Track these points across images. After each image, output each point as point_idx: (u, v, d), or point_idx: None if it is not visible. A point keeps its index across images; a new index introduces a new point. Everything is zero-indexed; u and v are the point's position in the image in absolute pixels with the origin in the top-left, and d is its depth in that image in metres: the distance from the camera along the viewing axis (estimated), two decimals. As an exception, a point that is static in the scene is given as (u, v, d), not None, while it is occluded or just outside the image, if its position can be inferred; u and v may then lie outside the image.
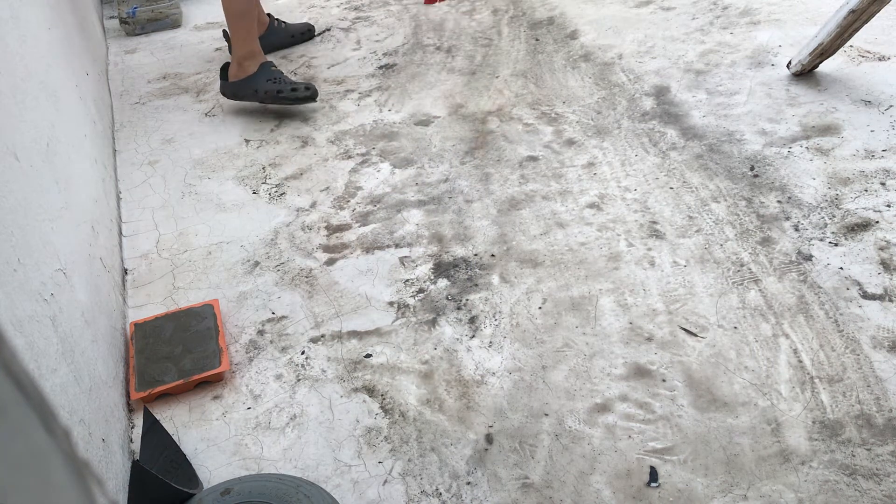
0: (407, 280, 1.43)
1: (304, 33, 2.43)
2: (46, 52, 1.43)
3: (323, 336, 1.33)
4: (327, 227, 1.58)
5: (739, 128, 1.71)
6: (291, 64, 2.29)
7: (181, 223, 1.65)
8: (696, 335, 1.23)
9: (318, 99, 1.99)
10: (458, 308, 1.35)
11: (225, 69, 2.07)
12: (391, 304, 1.38)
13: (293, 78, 2.22)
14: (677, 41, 2.10)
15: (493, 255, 1.45)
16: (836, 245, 1.37)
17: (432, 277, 1.42)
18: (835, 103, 1.74)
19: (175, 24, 2.62)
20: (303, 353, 1.30)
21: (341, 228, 1.57)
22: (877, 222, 1.40)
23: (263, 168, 1.80)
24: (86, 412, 0.97)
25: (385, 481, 1.08)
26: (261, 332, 1.35)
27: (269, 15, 2.42)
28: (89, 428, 0.96)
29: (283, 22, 2.43)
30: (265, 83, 1.98)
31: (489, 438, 1.12)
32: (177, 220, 1.66)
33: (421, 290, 1.40)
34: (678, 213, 1.49)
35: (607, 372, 1.19)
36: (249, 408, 1.22)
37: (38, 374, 0.82)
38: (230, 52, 2.08)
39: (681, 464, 1.05)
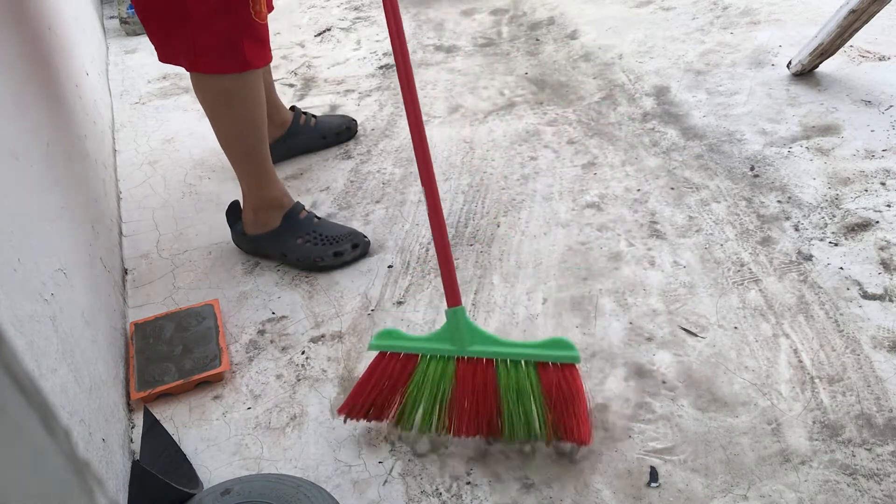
0: (406, 280, 1.43)
1: (342, 133, 1.82)
2: (46, 53, 1.43)
3: (323, 336, 1.33)
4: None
5: (739, 128, 1.71)
6: (291, 64, 2.29)
7: (181, 223, 1.65)
8: (696, 335, 1.23)
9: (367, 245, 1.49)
10: (459, 308, 1.35)
11: (234, 211, 1.51)
12: (393, 303, 1.38)
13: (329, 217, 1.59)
14: (677, 41, 2.10)
15: (493, 255, 1.45)
16: (836, 245, 1.37)
17: (431, 276, 1.42)
18: (835, 103, 1.74)
19: (175, 24, 2.62)
20: (303, 352, 1.30)
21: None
22: (877, 222, 1.40)
23: (263, 168, 1.79)
24: (86, 412, 0.97)
25: (385, 481, 1.08)
26: (261, 332, 1.35)
27: (292, 108, 1.80)
28: (89, 428, 0.96)
29: (313, 116, 1.81)
30: (296, 245, 1.45)
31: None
32: (177, 220, 1.66)
33: (421, 290, 1.40)
34: (678, 213, 1.49)
35: (607, 372, 1.19)
36: (249, 408, 1.22)
37: (38, 374, 0.82)
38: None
39: (681, 464, 1.05)
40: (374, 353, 1.09)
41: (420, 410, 1.08)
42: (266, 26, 1.33)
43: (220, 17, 1.25)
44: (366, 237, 1.48)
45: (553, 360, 1.01)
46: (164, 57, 1.36)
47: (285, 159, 1.78)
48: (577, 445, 1.06)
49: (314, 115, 1.82)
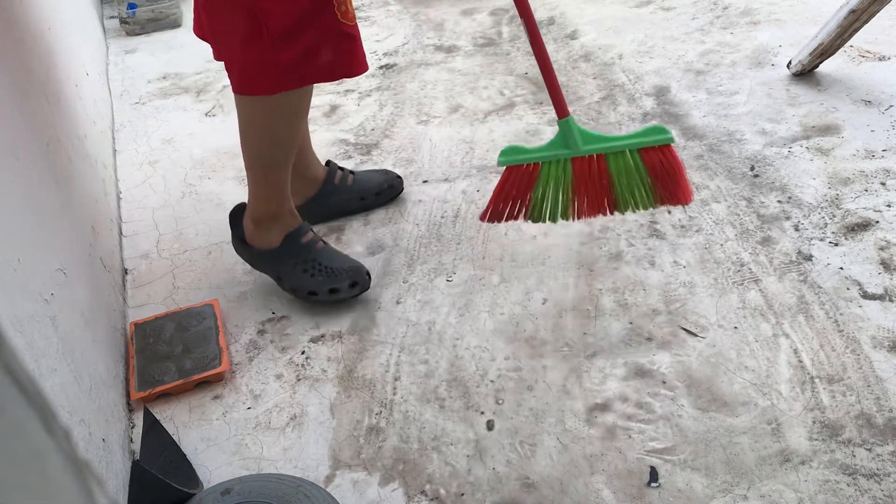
0: (406, 280, 1.43)
1: (383, 192, 1.58)
2: (46, 52, 1.43)
3: (323, 336, 1.33)
4: (328, 227, 1.57)
5: (739, 128, 1.71)
6: (291, 64, 2.29)
7: (181, 223, 1.65)
8: (696, 335, 1.23)
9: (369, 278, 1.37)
10: (459, 308, 1.35)
11: (238, 215, 1.42)
12: (393, 303, 1.38)
13: (336, 246, 1.47)
14: (677, 41, 2.10)
15: (493, 255, 1.45)
16: (836, 245, 1.37)
17: (431, 276, 1.42)
18: (835, 103, 1.74)
19: (175, 24, 2.62)
20: (303, 352, 1.30)
21: (342, 228, 1.57)
22: (877, 222, 1.40)
23: (263, 168, 1.79)
24: (86, 412, 0.97)
25: (385, 481, 1.08)
26: (261, 332, 1.35)
27: (328, 163, 1.57)
28: (89, 428, 0.96)
29: (350, 172, 1.57)
30: (293, 272, 1.34)
31: (489, 437, 1.12)
32: (177, 220, 1.66)
33: (421, 290, 1.40)
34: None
35: (607, 372, 1.19)
36: (249, 408, 1.22)
37: (38, 374, 0.82)
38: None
39: (681, 464, 1.05)
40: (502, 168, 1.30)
41: (549, 203, 1.30)
42: (356, 27, 1.20)
43: (304, 26, 1.12)
44: (368, 273, 1.35)
45: (652, 144, 1.23)
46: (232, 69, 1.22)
47: (317, 223, 1.56)
48: (682, 205, 1.31)
49: (351, 172, 1.58)
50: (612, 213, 1.31)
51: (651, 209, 1.32)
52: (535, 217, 1.32)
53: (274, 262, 1.37)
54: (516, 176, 1.29)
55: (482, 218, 1.35)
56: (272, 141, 1.28)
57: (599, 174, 1.27)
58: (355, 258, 1.41)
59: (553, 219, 1.32)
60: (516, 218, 1.33)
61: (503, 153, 1.28)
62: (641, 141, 1.23)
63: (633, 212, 1.31)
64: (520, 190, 1.30)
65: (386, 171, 1.61)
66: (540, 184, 1.29)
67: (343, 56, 1.18)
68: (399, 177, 1.60)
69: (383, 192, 1.58)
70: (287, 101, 1.21)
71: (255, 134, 1.27)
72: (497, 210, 1.33)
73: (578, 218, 1.32)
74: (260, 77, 1.16)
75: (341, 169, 1.57)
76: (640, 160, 1.25)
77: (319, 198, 1.54)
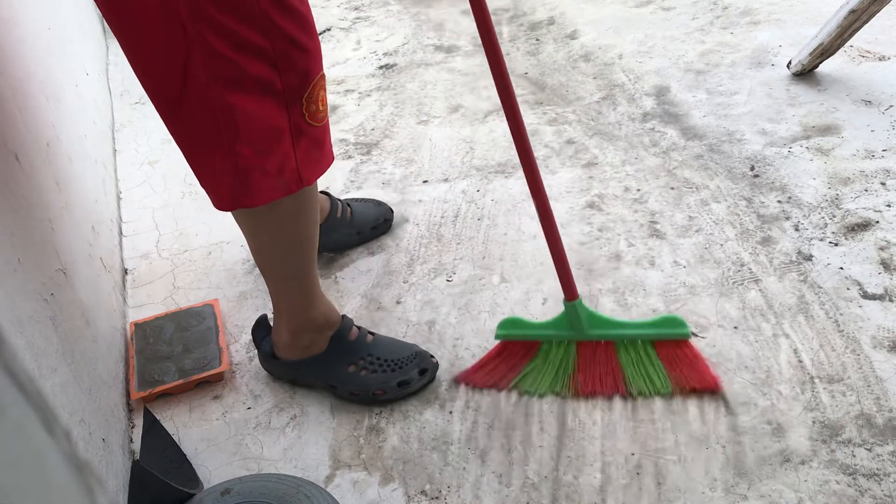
0: (407, 280, 1.43)
1: (379, 226, 1.53)
2: (46, 52, 1.43)
3: (323, 336, 1.32)
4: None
5: (739, 128, 1.71)
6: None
7: (181, 223, 1.65)
8: (696, 335, 1.23)
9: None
10: (459, 308, 1.35)
11: (263, 327, 1.25)
12: (393, 303, 1.38)
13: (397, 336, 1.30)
14: (677, 41, 2.10)
15: (493, 255, 1.45)
16: (836, 245, 1.37)
17: (431, 276, 1.42)
18: (835, 103, 1.74)
19: (175, 24, 2.62)
20: (303, 353, 1.30)
21: (341, 228, 1.57)
22: (877, 222, 1.40)
23: (263, 168, 1.79)
24: (86, 412, 0.97)
25: (385, 481, 1.08)
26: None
27: (325, 193, 1.49)
28: (89, 428, 0.96)
29: (348, 205, 1.51)
30: (349, 374, 1.19)
31: (490, 437, 1.12)
32: (177, 220, 1.66)
33: (421, 290, 1.40)
34: (678, 212, 1.49)
35: (607, 372, 1.19)
36: (249, 408, 1.22)
37: (38, 374, 0.82)
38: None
39: (681, 463, 1.05)
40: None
41: (544, 378, 1.17)
42: (325, 127, 1.05)
43: (272, 135, 0.97)
44: (432, 357, 1.22)
45: (666, 338, 1.12)
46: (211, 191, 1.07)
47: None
48: (709, 391, 1.15)
49: (349, 204, 1.51)
50: (622, 392, 1.16)
51: (669, 395, 1.15)
52: (526, 388, 1.18)
53: (323, 370, 1.20)
54: (512, 349, 1.18)
55: (459, 379, 1.21)
56: (287, 248, 1.12)
57: (607, 359, 1.16)
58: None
59: (541, 394, 1.17)
60: (500, 388, 1.19)
61: (501, 326, 1.16)
62: (655, 333, 1.12)
63: (647, 396, 1.15)
64: (512, 364, 1.19)
65: (379, 203, 1.55)
66: (537, 359, 1.17)
67: (307, 160, 1.02)
68: (391, 210, 1.55)
69: (379, 226, 1.53)
70: (281, 209, 1.05)
71: (264, 246, 1.13)
72: (480, 379, 1.20)
73: (581, 394, 1.17)
74: (232, 190, 1.02)
75: (341, 202, 1.50)
76: (653, 351, 1.14)
77: (322, 234, 1.38)
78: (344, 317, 1.22)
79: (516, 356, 1.18)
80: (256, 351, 1.26)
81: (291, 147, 0.99)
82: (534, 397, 1.17)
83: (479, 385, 1.20)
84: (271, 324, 1.24)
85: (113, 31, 0.92)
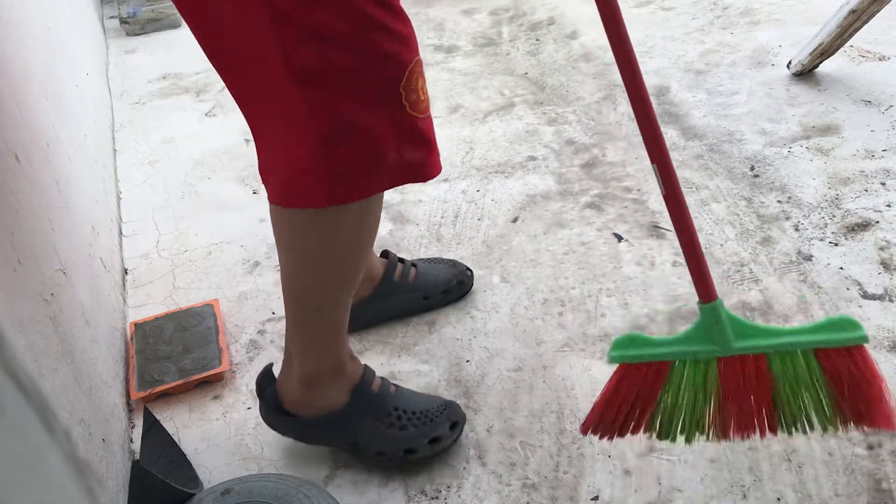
0: (407, 280, 1.43)
1: (451, 290, 1.32)
2: (46, 52, 1.43)
3: (323, 336, 1.32)
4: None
5: (739, 128, 1.71)
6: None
7: (181, 223, 1.65)
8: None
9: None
10: (459, 308, 1.35)
11: (266, 381, 1.09)
12: (391, 304, 1.38)
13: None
14: (677, 41, 2.10)
15: (493, 256, 1.45)
16: (836, 245, 1.37)
17: (432, 277, 1.42)
18: (835, 103, 1.74)
19: (175, 24, 2.62)
20: (303, 353, 1.30)
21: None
22: (877, 222, 1.40)
23: (263, 168, 1.79)
24: (86, 412, 0.97)
25: (385, 481, 1.08)
26: (261, 332, 1.35)
27: (385, 254, 1.31)
28: (89, 428, 0.96)
29: (413, 265, 1.31)
30: (375, 431, 1.06)
31: (490, 438, 1.12)
32: (177, 220, 1.66)
33: (421, 290, 1.40)
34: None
35: (608, 371, 1.19)
36: (249, 408, 1.22)
37: (38, 374, 0.82)
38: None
39: (681, 464, 1.05)
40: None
41: (682, 415, 0.93)
42: (429, 119, 0.90)
43: (365, 120, 0.84)
44: (458, 406, 1.12)
45: (838, 345, 0.86)
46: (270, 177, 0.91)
47: (367, 327, 1.30)
48: (884, 430, 0.92)
49: (413, 264, 1.31)
50: (773, 434, 0.93)
51: (834, 432, 0.91)
52: (663, 434, 0.95)
53: (344, 428, 1.06)
54: (635, 376, 0.92)
55: (584, 429, 0.97)
56: (328, 270, 0.96)
57: (758, 380, 0.90)
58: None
59: (688, 437, 0.94)
60: (634, 433, 0.95)
61: (616, 346, 0.91)
62: (822, 339, 0.87)
63: (805, 434, 0.92)
64: (640, 396, 0.93)
65: (454, 263, 1.34)
66: (670, 389, 0.92)
67: (411, 159, 0.89)
68: (469, 270, 1.34)
69: (451, 289, 1.31)
70: (345, 216, 0.91)
71: (305, 262, 0.96)
72: (606, 421, 0.95)
73: (724, 437, 0.94)
74: (304, 183, 0.87)
75: (401, 261, 1.30)
76: (816, 364, 0.88)
77: (376, 299, 1.26)
78: (366, 367, 1.09)
79: (644, 386, 0.93)
80: (259, 402, 1.10)
81: (386, 143, 0.86)
82: (667, 440, 0.95)
83: (608, 433, 0.96)
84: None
85: (202, 38, 0.84)
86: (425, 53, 2.24)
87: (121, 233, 1.64)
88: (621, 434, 0.95)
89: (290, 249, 0.96)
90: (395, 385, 1.11)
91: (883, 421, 0.87)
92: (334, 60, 0.80)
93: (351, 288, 1.00)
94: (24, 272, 0.90)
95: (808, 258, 1.35)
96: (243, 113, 0.89)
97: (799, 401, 0.90)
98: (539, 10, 2.41)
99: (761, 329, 0.89)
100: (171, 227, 1.64)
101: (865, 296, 1.26)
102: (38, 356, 0.85)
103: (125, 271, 1.54)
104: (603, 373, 1.19)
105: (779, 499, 0.99)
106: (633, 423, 0.95)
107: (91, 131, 1.66)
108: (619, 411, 0.94)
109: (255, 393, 1.13)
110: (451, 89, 2.03)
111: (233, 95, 0.88)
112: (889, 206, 1.43)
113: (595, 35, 2.21)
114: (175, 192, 1.75)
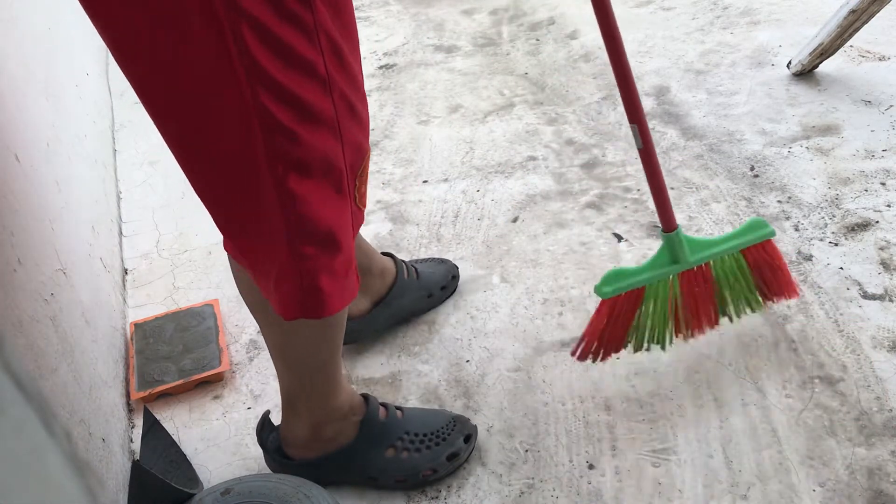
0: (407, 280, 1.43)
1: (448, 285, 1.37)
2: (46, 52, 1.43)
3: (323, 336, 1.32)
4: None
5: (739, 128, 1.71)
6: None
7: (181, 223, 1.65)
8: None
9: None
10: (459, 308, 1.35)
11: (266, 429, 1.07)
12: (391, 304, 1.38)
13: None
14: (677, 41, 2.10)
15: (493, 256, 1.45)
16: (836, 245, 1.37)
17: (432, 277, 1.42)
18: (835, 103, 1.74)
19: (175, 24, 2.62)
20: (303, 353, 1.30)
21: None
22: (877, 222, 1.40)
23: (263, 168, 1.79)
24: (86, 412, 0.97)
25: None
26: (261, 332, 1.35)
27: (389, 256, 1.31)
28: (89, 428, 0.96)
29: (414, 267, 1.33)
30: (389, 459, 1.05)
31: (490, 438, 1.12)
32: (177, 220, 1.66)
33: (421, 290, 1.40)
34: (678, 213, 1.49)
35: (608, 371, 1.19)
36: (250, 408, 1.22)
37: (38, 374, 0.82)
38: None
39: (680, 464, 1.05)
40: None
41: (654, 326, 1.15)
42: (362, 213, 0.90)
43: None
44: (466, 418, 1.11)
45: (755, 242, 1.13)
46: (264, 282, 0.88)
47: (383, 330, 1.31)
48: (788, 299, 1.22)
49: (414, 266, 1.34)
50: (716, 323, 1.18)
51: (759, 310, 1.20)
52: (638, 345, 1.16)
53: (356, 460, 1.05)
54: (619, 306, 1.10)
55: (574, 354, 1.15)
56: (317, 345, 0.97)
57: (706, 283, 1.14)
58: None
59: (661, 344, 1.16)
60: (616, 352, 1.16)
61: (606, 282, 1.08)
62: (745, 241, 1.13)
63: (738, 317, 1.19)
64: (623, 321, 1.12)
65: (442, 260, 1.39)
66: (644, 307, 1.12)
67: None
68: (456, 266, 1.39)
69: (448, 284, 1.36)
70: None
71: (292, 346, 0.97)
72: (596, 348, 1.14)
73: (686, 337, 1.17)
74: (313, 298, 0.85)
75: (406, 264, 1.32)
76: (744, 261, 1.15)
77: (393, 299, 1.26)
78: (367, 396, 1.08)
79: (625, 312, 1.11)
80: (262, 451, 1.08)
81: (351, 237, 0.84)
82: (649, 351, 1.17)
83: (595, 357, 1.14)
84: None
85: (153, 110, 0.78)
86: (425, 54, 2.24)
87: (121, 233, 1.64)
88: (605, 357, 1.15)
89: (277, 334, 0.96)
90: (400, 409, 1.10)
91: (790, 292, 1.19)
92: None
93: (340, 344, 1.00)
94: (24, 272, 0.90)
95: (808, 258, 1.35)
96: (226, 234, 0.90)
97: (735, 291, 1.16)
98: (539, 10, 2.41)
99: (705, 242, 1.12)
100: (172, 227, 1.64)
101: (865, 296, 1.26)
102: (38, 356, 0.85)
103: (125, 271, 1.54)
104: (603, 372, 1.19)
105: (779, 499, 0.99)
106: (613, 345, 1.14)
107: (91, 131, 1.66)
108: (608, 339, 1.13)
109: (254, 393, 1.13)
110: (451, 89, 2.03)
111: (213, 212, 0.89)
112: (889, 206, 1.43)
113: (595, 35, 2.21)
114: (175, 191, 1.75)
